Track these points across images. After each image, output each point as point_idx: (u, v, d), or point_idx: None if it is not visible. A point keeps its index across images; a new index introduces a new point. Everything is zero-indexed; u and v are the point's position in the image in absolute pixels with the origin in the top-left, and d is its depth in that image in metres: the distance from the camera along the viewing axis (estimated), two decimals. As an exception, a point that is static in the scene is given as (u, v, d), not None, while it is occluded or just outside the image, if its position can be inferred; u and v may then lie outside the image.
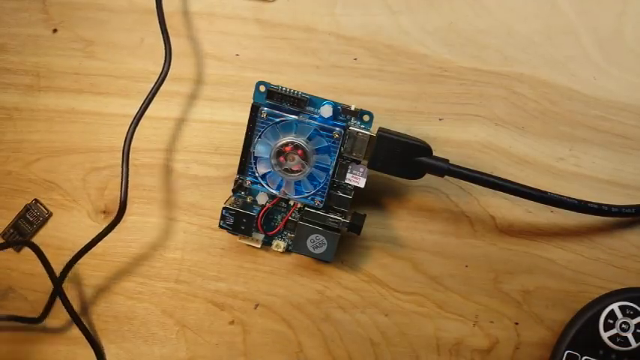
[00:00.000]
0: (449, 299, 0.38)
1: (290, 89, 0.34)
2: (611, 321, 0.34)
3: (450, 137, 0.36)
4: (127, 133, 0.35)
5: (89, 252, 0.40)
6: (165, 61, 0.36)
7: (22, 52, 0.39)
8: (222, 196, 0.38)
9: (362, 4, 0.36)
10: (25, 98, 0.40)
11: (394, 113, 0.37)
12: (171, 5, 0.37)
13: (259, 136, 0.34)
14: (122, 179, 0.35)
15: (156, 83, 0.36)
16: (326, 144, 0.34)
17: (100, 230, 0.37)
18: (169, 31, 0.38)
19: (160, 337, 0.40)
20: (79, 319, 0.39)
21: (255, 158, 0.35)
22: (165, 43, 0.36)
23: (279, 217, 0.37)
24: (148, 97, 0.36)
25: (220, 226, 0.36)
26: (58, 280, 0.37)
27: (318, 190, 0.35)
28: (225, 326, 0.40)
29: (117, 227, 0.39)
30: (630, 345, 0.34)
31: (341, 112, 0.34)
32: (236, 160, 0.35)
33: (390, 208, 0.37)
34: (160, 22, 0.36)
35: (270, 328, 0.39)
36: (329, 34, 0.37)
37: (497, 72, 0.36)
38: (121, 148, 0.35)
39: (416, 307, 0.38)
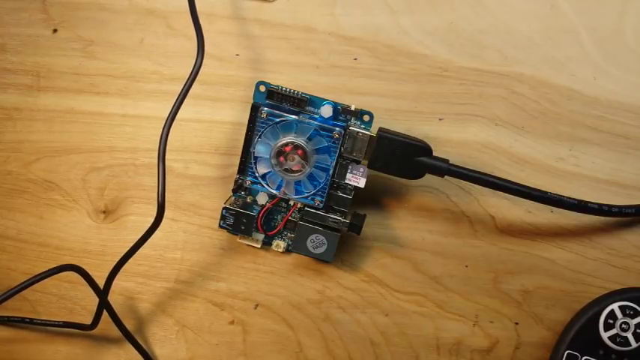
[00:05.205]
0: (449, 299, 0.38)
1: (290, 89, 0.34)
2: (611, 321, 0.34)
3: (450, 137, 0.36)
4: (162, 132, 0.34)
5: (89, 252, 0.40)
6: (197, 54, 0.34)
7: (22, 52, 0.39)
8: (222, 196, 0.38)
9: (362, 4, 0.36)
10: (25, 98, 0.39)
11: (394, 113, 0.37)
12: (171, 5, 0.37)
13: (259, 136, 0.34)
14: (159, 181, 0.33)
15: (188, 79, 0.34)
16: (326, 144, 0.34)
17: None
18: (169, 31, 0.38)
19: (160, 337, 0.40)
20: (132, 336, 0.39)
21: (255, 158, 0.35)
22: (198, 38, 0.35)
23: (279, 217, 0.37)
24: (180, 94, 0.34)
25: (220, 226, 0.36)
26: (103, 294, 0.37)
27: (318, 190, 0.35)
28: (225, 326, 0.40)
29: (117, 227, 0.40)
30: (630, 345, 0.34)
31: (341, 112, 0.34)
32: (236, 160, 0.36)
33: (390, 208, 0.37)
34: (192, 18, 0.35)
35: (270, 328, 0.39)
36: (329, 34, 0.37)
37: (497, 72, 0.36)
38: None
39: (416, 307, 0.38)
